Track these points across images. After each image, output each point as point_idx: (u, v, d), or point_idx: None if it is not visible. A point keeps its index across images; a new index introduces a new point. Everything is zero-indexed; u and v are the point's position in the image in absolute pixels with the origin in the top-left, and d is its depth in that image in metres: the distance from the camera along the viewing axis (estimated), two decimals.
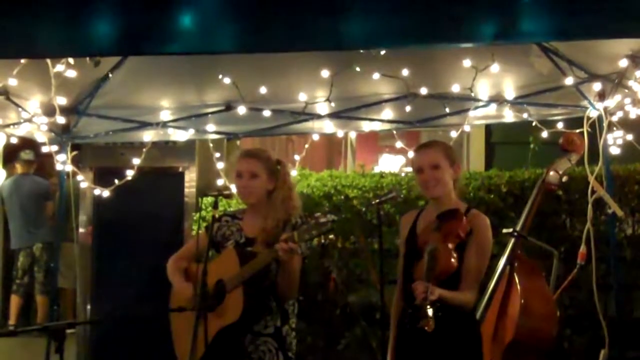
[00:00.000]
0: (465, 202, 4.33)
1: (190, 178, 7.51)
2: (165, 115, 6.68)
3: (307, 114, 6.52)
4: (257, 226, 4.52)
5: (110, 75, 5.98)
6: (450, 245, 4.07)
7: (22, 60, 5.17)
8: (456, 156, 4.34)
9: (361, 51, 5.33)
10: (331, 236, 4.25)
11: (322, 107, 6.47)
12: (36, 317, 10.10)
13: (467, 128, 6.63)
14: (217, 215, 4.47)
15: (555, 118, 6.38)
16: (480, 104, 6.28)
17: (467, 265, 4.12)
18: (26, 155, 10.03)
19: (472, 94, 5.97)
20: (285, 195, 4.54)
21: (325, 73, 5.77)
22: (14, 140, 6.94)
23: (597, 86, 5.67)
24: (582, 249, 5.67)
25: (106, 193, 6.87)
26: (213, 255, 4.59)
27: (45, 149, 6.51)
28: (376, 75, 5.85)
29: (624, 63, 5.22)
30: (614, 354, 5.64)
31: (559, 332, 5.43)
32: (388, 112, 6.70)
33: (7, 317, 10.17)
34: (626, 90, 5.56)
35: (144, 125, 6.82)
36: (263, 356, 4.43)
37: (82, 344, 7.51)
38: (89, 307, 7.57)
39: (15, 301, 10.04)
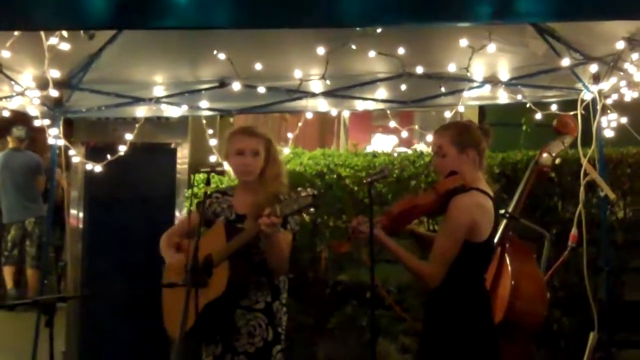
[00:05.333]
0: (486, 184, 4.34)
1: (183, 154, 7.48)
2: (159, 91, 6.65)
3: (301, 92, 6.51)
4: (247, 203, 4.55)
5: (104, 49, 5.95)
6: (412, 199, 4.44)
7: (15, 33, 5.13)
8: (471, 140, 4.32)
9: (357, 29, 5.31)
10: (312, 210, 4.26)
11: (316, 85, 6.45)
12: (26, 290, 10.14)
13: (461, 109, 6.60)
14: (209, 192, 4.48)
15: (550, 100, 6.36)
16: (475, 84, 6.26)
17: (435, 241, 4.26)
18: (18, 131, 10.07)
19: (469, 74, 5.95)
20: (277, 172, 4.59)
21: (320, 50, 5.74)
22: (6, 114, 6.91)
23: (593, 68, 5.65)
24: (574, 231, 5.69)
25: (98, 168, 6.84)
26: (203, 231, 4.60)
27: (37, 123, 6.47)
28: (372, 53, 5.83)
29: (620, 45, 5.20)
30: (603, 336, 5.66)
31: (549, 314, 5.47)
32: (382, 92, 6.67)
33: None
34: (621, 73, 5.55)
35: (137, 100, 6.78)
36: (253, 331, 4.48)
37: (72, 318, 7.50)
38: (79, 281, 7.56)
39: (8, 270, 10.11)
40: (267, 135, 4.68)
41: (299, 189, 4.28)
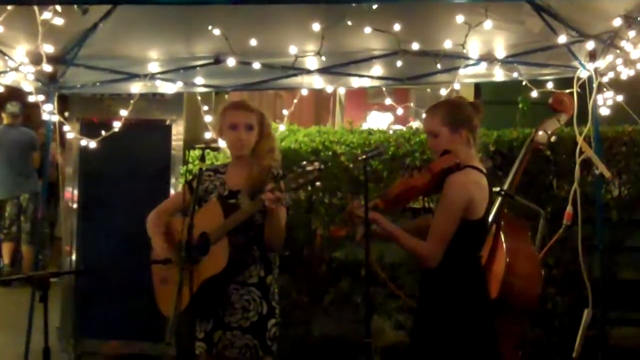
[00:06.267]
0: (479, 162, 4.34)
1: (178, 131, 7.44)
2: (154, 67, 6.63)
3: (296, 69, 6.48)
4: (241, 179, 4.54)
5: (99, 25, 5.91)
6: (407, 181, 4.39)
7: (8, 7, 5.09)
8: (463, 118, 4.29)
9: (353, 5, 5.28)
10: (318, 183, 4.25)
11: (312, 62, 6.43)
12: (21, 267, 10.16)
13: (456, 86, 6.59)
14: (204, 168, 4.47)
15: (546, 78, 6.36)
16: (471, 62, 6.24)
17: (433, 221, 4.24)
18: (12, 107, 10.07)
19: (464, 51, 5.92)
20: (270, 146, 4.58)
21: (316, 26, 5.71)
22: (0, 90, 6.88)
23: (589, 45, 5.63)
24: (569, 209, 5.68)
25: (93, 144, 6.82)
26: (195, 209, 4.59)
27: (31, 99, 6.44)
28: (367, 30, 5.79)
29: (617, 23, 5.18)
30: (597, 314, 5.68)
31: (543, 292, 5.47)
32: (378, 69, 6.65)
33: None
34: (618, 51, 5.53)
35: (132, 76, 6.77)
36: (247, 305, 4.48)
37: (66, 293, 7.50)
38: (74, 257, 7.55)
39: (7, 247, 10.14)
40: (260, 110, 4.67)
41: (304, 162, 4.23)
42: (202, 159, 4.37)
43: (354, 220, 4.33)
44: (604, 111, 5.88)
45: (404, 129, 7.90)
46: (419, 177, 4.37)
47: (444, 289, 4.24)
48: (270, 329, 4.53)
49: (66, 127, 6.85)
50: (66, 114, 7.25)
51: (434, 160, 4.35)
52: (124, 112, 6.74)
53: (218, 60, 6.39)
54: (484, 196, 4.22)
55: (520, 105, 7.41)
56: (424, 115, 4.46)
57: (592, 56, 5.71)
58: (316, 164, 4.16)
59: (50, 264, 10.03)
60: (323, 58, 6.15)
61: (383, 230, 4.27)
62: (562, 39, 5.58)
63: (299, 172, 4.17)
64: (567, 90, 5.75)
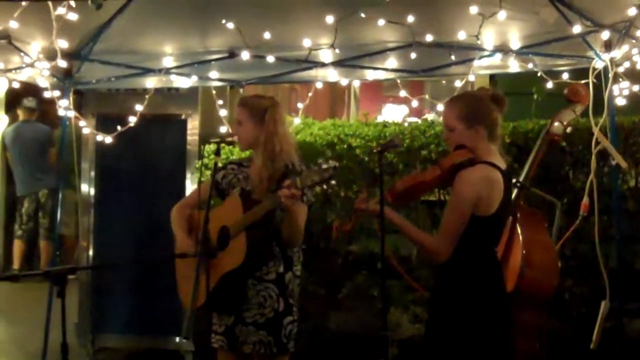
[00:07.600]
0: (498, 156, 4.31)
1: (193, 125, 7.44)
2: (168, 62, 6.63)
3: (310, 62, 6.48)
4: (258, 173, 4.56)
5: (113, 20, 5.92)
6: (416, 176, 4.46)
7: (23, 3, 5.10)
8: (479, 115, 4.26)
9: None
10: (333, 182, 4.26)
11: (326, 55, 6.42)
12: (39, 262, 10.18)
13: (471, 78, 6.57)
14: (219, 163, 4.48)
15: (561, 69, 6.33)
16: (485, 53, 6.22)
17: (442, 216, 4.24)
18: (29, 102, 10.10)
19: (479, 42, 5.90)
20: (267, 139, 4.56)
21: (329, 19, 5.69)
22: (16, 85, 6.91)
23: (604, 35, 5.59)
24: (585, 200, 5.66)
25: (108, 139, 6.84)
26: (219, 203, 4.61)
27: (47, 94, 6.46)
28: (381, 22, 5.78)
29: (632, 12, 5.15)
30: (614, 305, 5.66)
31: (560, 283, 5.45)
32: (392, 61, 6.64)
33: (10, 262, 10.26)
34: (633, 41, 5.51)
35: (147, 71, 6.77)
36: (264, 302, 4.47)
37: (83, 289, 7.52)
38: (90, 253, 7.57)
39: (18, 246, 10.15)
40: (258, 104, 4.66)
41: (320, 160, 4.22)
42: (218, 153, 4.38)
43: (364, 214, 4.35)
44: (620, 101, 5.86)
45: (419, 121, 7.88)
46: (428, 172, 4.37)
47: (458, 282, 4.22)
48: (286, 326, 4.52)
49: (82, 123, 6.87)
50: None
51: (447, 156, 4.35)
52: (139, 107, 6.75)
53: (232, 54, 6.39)
54: (495, 192, 4.16)
55: (535, 97, 7.37)
56: (439, 105, 4.46)
57: (608, 46, 5.68)
58: (331, 162, 4.16)
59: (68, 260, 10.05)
60: (337, 51, 6.14)
61: (392, 223, 4.27)
62: (577, 29, 5.55)
63: (314, 170, 4.17)
64: (583, 81, 5.72)
